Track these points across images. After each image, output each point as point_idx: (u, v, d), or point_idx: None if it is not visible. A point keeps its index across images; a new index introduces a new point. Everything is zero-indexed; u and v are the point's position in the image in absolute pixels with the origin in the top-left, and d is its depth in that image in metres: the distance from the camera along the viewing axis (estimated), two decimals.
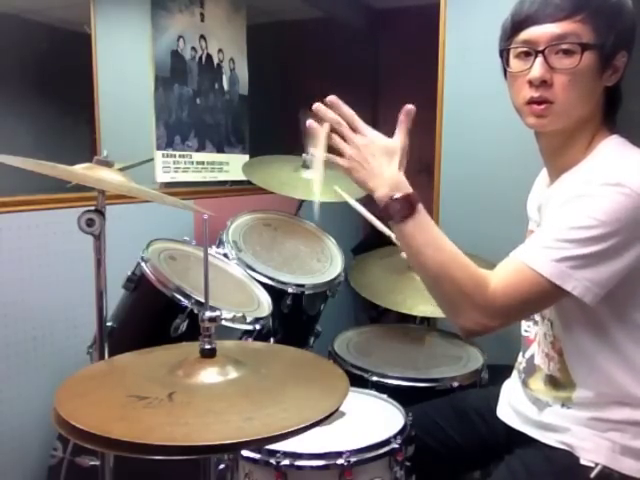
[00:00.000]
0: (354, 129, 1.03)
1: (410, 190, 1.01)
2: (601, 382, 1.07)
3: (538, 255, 0.97)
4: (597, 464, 1.05)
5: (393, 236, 1.29)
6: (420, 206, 1.01)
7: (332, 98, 1.02)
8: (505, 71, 1.10)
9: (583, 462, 1.06)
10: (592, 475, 1.05)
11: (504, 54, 1.08)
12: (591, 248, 0.95)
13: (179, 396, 0.81)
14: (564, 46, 1.00)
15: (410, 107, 1.03)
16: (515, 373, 1.27)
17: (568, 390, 1.10)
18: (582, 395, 1.08)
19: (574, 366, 1.09)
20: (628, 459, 1.05)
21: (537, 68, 1.01)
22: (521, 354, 1.25)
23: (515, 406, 1.21)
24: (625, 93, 1.10)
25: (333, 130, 1.03)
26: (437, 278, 1.01)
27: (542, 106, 1.02)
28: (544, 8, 1.00)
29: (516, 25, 1.05)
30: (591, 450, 1.06)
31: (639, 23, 1.05)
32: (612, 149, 1.05)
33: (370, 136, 1.03)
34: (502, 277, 1.00)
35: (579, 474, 1.06)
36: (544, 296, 0.99)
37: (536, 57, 1.01)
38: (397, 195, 1.00)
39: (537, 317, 1.18)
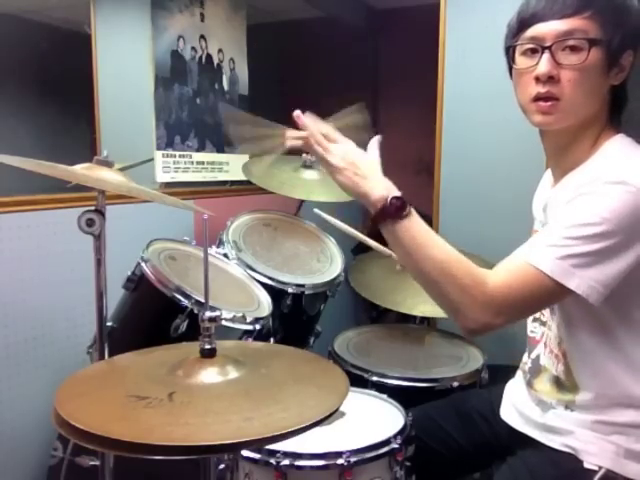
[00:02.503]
0: (330, 140, 1.05)
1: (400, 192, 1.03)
2: (604, 384, 1.06)
3: (542, 253, 0.96)
4: (601, 468, 1.04)
5: (390, 253, 1.30)
6: (412, 208, 1.02)
7: (298, 114, 1.05)
8: (510, 69, 1.09)
9: (587, 466, 1.05)
10: (596, 479, 1.04)
11: (510, 51, 1.08)
12: (595, 245, 0.94)
13: (179, 396, 0.81)
14: (571, 42, 0.99)
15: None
16: (520, 373, 1.26)
17: (571, 393, 1.09)
18: (585, 398, 1.08)
19: (577, 368, 1.09)
20: (632, 463, 1.04)
21: (544, 64, 1.00)
22: (526, 354, 1.24)
23: (518, 407, 1.21)
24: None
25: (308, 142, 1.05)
26: (437, 277, 0.99)
27: (548, 103, 1.02)
28: (551, 5, 1.00)
29: (523, 22, 1.04)
30: (595, 454, 1.05)
31: None
32: (617, 148, 1.05)
33: (347, 143, 1.05)
34: (504, 275, 0.99)
35: (583, 478, 1.05)
36: (547, 294, 0.97)
37: (543, 53, 1.01)
38: (394, 194, 1.01)
39: (545, 317, 1.17)
